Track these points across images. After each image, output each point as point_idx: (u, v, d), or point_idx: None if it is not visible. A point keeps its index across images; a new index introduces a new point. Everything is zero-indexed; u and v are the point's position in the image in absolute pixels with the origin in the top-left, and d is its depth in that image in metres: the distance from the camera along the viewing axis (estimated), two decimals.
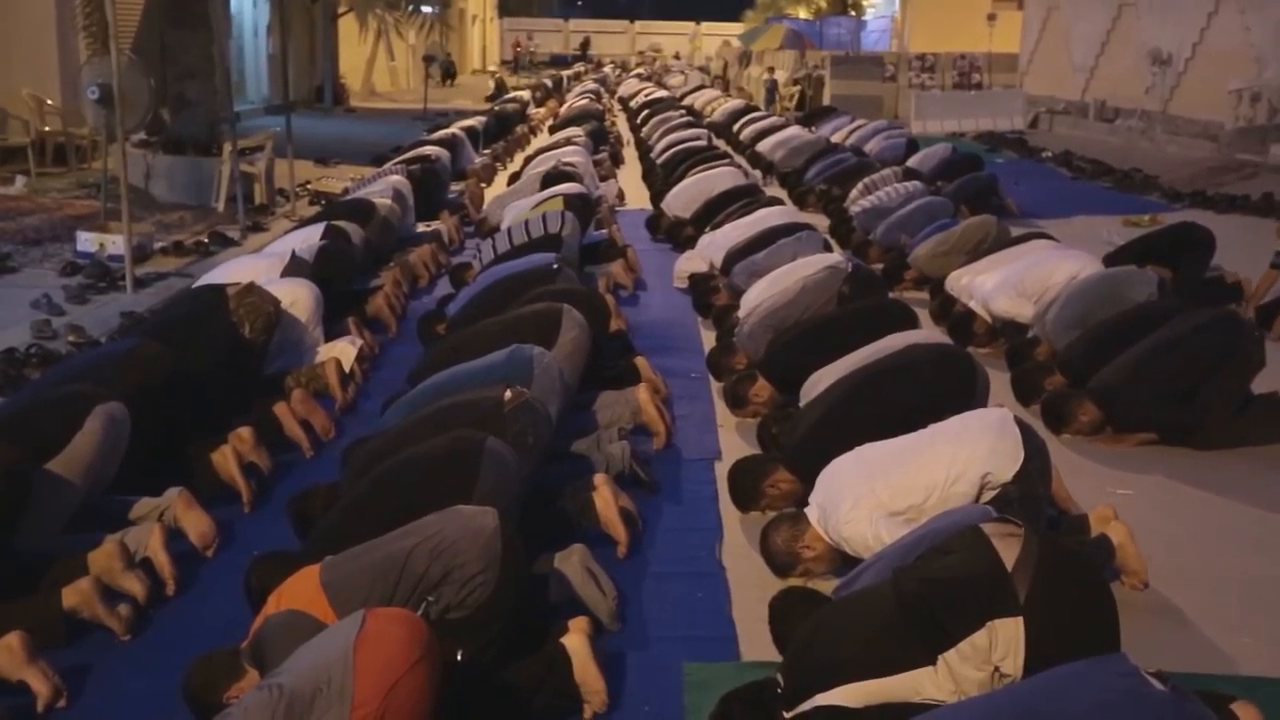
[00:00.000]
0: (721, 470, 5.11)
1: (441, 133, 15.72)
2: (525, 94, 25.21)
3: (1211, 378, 5.30)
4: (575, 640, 3.28)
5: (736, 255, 7.92)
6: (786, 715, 3.02)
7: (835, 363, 5.23)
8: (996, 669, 2.89)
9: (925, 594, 2.98)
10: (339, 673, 2.70)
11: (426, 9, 28.87)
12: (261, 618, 3.24)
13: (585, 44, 56.07)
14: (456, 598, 3.18)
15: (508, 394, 4.30)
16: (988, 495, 3.85)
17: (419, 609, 3.12)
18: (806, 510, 4.03)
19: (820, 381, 5.15)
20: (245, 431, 4.82)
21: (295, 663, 2.83)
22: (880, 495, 3.86)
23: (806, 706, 2.98)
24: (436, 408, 4.45)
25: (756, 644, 3.67)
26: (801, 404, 5.18)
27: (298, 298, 6.10)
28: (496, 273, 6.98)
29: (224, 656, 3.20)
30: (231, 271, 6.75)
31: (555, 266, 6.71)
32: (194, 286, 6.79)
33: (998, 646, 2.88)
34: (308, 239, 7.70)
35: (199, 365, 5.13)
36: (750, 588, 4.03)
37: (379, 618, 2.85)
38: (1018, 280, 6.72)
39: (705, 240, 8.96)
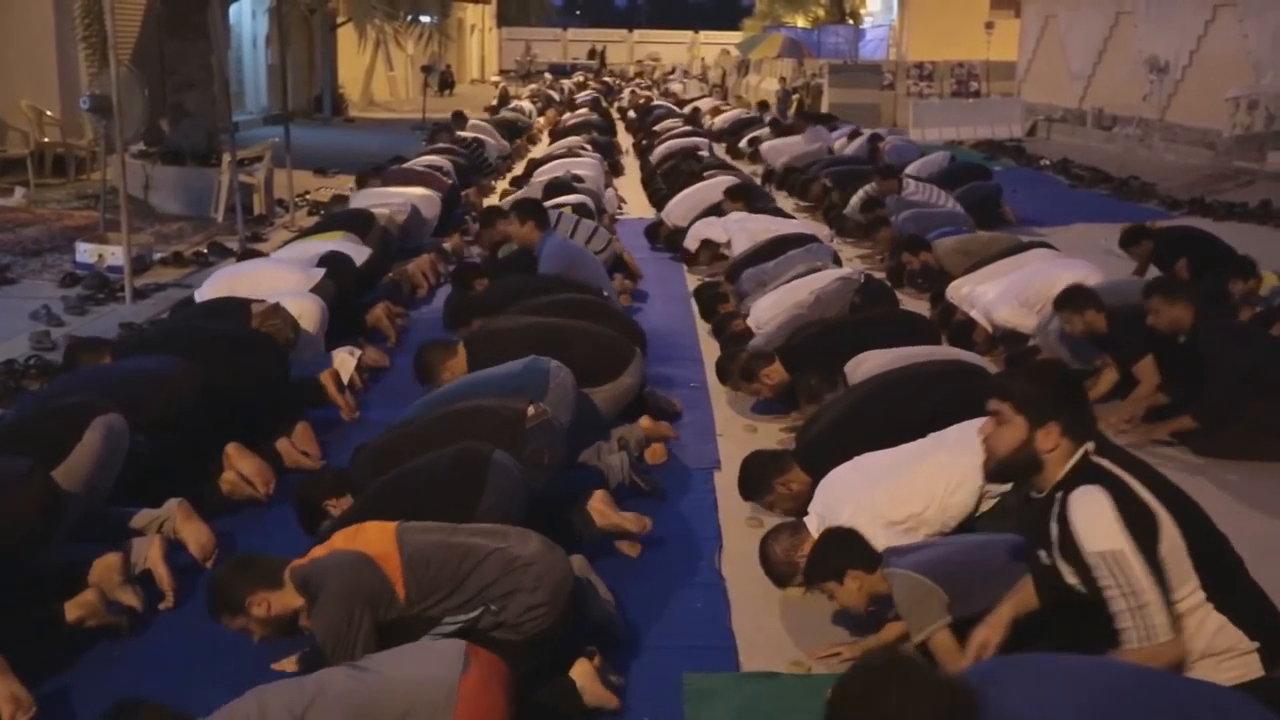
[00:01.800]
0: (721, 480, 5.13)
1: (467, 133, 15.80)
2: (526, 104, 25.07)
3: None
4: (582, 669, 3.29)
5: (744, 263, 8.00)
6: None
7: (882, 351, 5.25)
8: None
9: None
10: (436, 707, 2.71)
11: (425, 19, 28.81)
12: (327, 548, 3.25)
13: (602, 53, 56.20)
14: (514, 619, 3.21)
15: (531, 410, 4.32)
16: (987, 504, 3.86)
17: (478, 611, 3.15)
18: (806, 519, 4.04)
19: (863, 364, 5.17)
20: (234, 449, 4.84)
21: (375, 666, 2.82)
22: (879, 504, 3.87)
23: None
24: (454, 410, 4.47)
25: (756, 653, 3.68)
26: (849, 381, 5.17)
27: (305, 311, 6.15)
28: (572, 258, 7.17)
29: (268, 562, 3.23)
30: (264, 276, 6.79)
31: (606, 294, 6.88)
32: (220, 296, 6.53)
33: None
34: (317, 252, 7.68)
35: (238, 387, 5.12)
36: (749, 598, 4.04)
37: (481, 664, 2.85)
38: (1019, 290, 6.75)
39: (736, 216, 9.04)
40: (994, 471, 3.07)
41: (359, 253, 7.80)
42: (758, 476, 4.64)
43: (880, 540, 3.77)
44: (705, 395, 6.35)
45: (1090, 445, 2.91)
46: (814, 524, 3.98)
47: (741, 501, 4.84)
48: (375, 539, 3.27)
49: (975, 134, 22.05)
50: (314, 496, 4.23)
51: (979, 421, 4.16)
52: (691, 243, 9.13)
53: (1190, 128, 17.59)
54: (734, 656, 3.68)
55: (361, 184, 11.76)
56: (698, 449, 5.53)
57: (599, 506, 4.26)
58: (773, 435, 5.71)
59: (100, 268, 8.74)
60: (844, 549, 3.60)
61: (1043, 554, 2.90)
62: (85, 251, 9.00)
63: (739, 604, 4.01)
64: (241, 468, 4.75)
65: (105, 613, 3.65)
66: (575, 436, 4.78)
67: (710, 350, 7.15)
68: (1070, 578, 2.85)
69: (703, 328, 7.86)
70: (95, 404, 4.27)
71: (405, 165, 12.36)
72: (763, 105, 24.25)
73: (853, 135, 16.91)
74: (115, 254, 8.62)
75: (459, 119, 17.11)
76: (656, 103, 26.38)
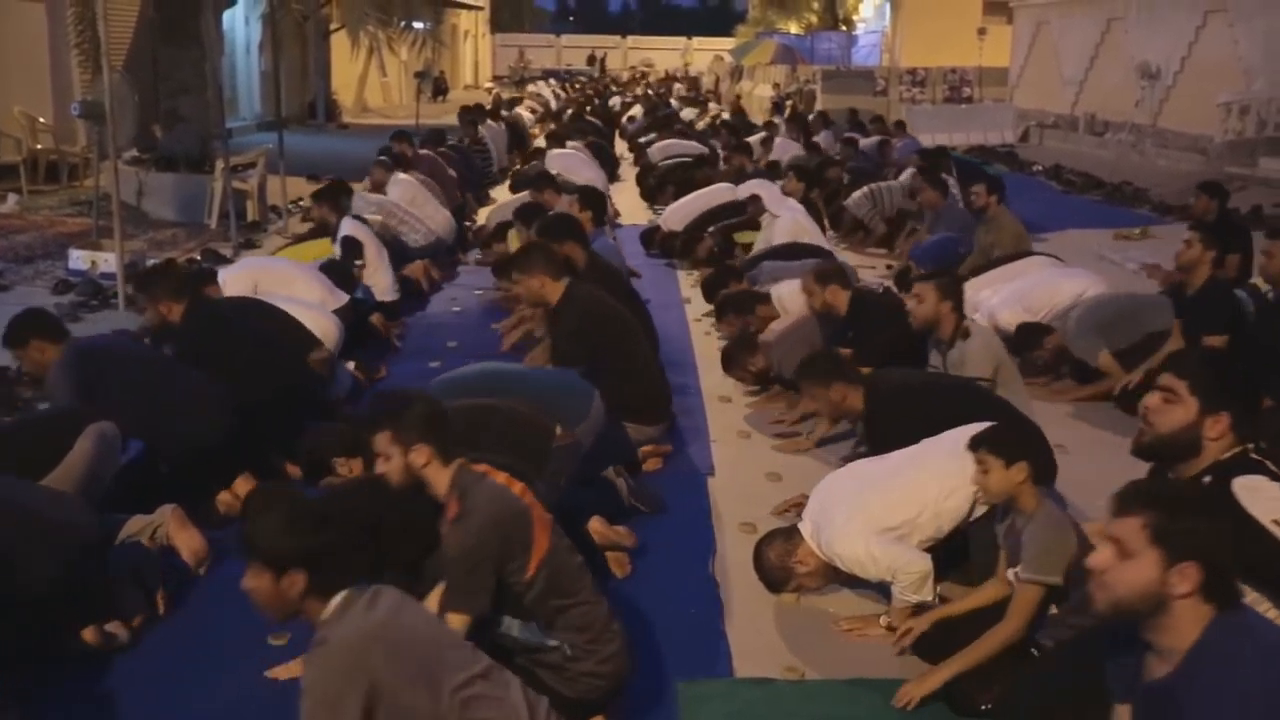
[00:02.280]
0: (715, 485, 5.12)
1: (485, 133, 15.83)
2: (526, 114, 24.85)
3: None
4: None
5: (762, 257, 8.15)
6: None
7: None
8: None
9: None
10: None
11: (419, 25, 28.75)
12: (504, 477, 3.24)
13: (602, 60, 56.31)
14: (575, 673, 3.19)
15: (559, 430, 4.33)
16: (980, 510, 3.86)
17: (556, 643, 3.17)
18: (800, 525, 4.05)
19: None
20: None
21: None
22: (873, 509, 3.87)
23: None
24: (473, 404, 4.41)
25: (750, 660, 3.68)
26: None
27: (327, 332, 6.26)
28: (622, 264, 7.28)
29: (451, 438, 3.26)
30: (291, 279, 6.85)
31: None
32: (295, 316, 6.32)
33: None
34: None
35: (269, 414, 5.12)
36: (744, 604, 4.04)
37: None
38: (1023, 296, 6.92)
39: (793, 204, 9.31)
40: (1148, 446, 3.04)
41: (389, 288, 7.89)
42: (824, 370, 4.80)
43: (874, 546, 3.77)
44: (699, 401, 6.36)
45: (1251, 446, 2.92)
46: (808, 530, 3.99)
47: (736, 508, 4.86)
48: (539, 508, 3.26)
49: (968, 139, 22.06)
50: (325, 452, 4.24)
51: (973, 427, 4.21)
52: (744, 192, 9.66)
53: (1182, 133, 17.64)
54: (728, 663, 3.68)
55: (398, 140, 11.93)
56: (692, 455, 5.53)
57: (597, 526, 4.31)
58: (766, 441, 5.73)
59: (93, 274, 8.71)
60: (1031, 441, 3.54)
61: None
62: (78, 258, 8.98)
63: (733, 610, 4.01)
64: (241, 494, 4.77)
65: (103, 645, 3.65)
66: (592, 459, 4.76)
67: (704, 354, 7.17)
68: None
69: (697, 333, 7.87)
70: (89, 411, 4.28)
71: (435, 153, 12.40)
72: (777, 106, 24.38)
73: (876, 120, 16.88)
74: (108, 260, 8.59)
75: (481, 112, 17.02)
76: (653, 108, 26.39)
